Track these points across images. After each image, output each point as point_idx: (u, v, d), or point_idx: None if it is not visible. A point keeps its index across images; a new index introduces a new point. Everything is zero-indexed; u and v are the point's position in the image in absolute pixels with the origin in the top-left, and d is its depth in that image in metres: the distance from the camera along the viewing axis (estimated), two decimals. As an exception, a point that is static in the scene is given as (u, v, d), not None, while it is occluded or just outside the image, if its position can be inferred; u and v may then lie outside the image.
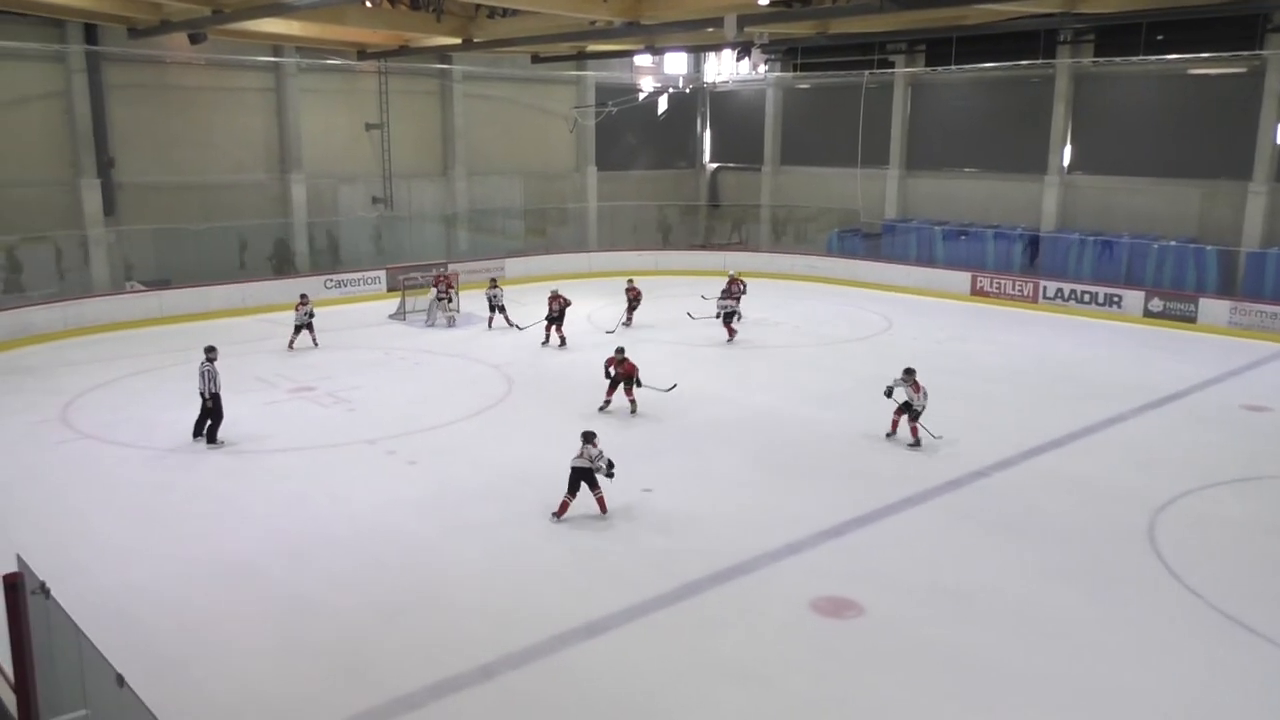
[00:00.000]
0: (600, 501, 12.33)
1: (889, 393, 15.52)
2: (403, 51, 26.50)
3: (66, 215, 25.11)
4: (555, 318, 22.20)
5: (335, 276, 28.01)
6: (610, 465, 12.16)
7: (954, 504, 13.10)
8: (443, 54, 29.22)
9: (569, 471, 12.22)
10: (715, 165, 39.27)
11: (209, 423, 15.23)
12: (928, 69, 32.07)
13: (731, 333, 22.99)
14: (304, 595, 10.36)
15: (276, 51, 27.71)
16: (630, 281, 24.97)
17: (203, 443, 15.19)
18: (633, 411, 16.94)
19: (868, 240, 33.00)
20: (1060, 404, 17.93)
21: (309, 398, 17.97)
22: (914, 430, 15.35)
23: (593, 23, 21.26)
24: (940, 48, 30.91)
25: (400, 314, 25.54)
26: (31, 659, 7.18)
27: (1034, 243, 29.40)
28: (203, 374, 15.09)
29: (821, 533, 11.98)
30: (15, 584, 7.04)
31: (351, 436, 15.71)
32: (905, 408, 15.39)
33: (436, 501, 13.02)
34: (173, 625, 9.71)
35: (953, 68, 30.93)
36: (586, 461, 12.11)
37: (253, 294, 26.11)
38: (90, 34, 24.55)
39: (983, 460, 14.64)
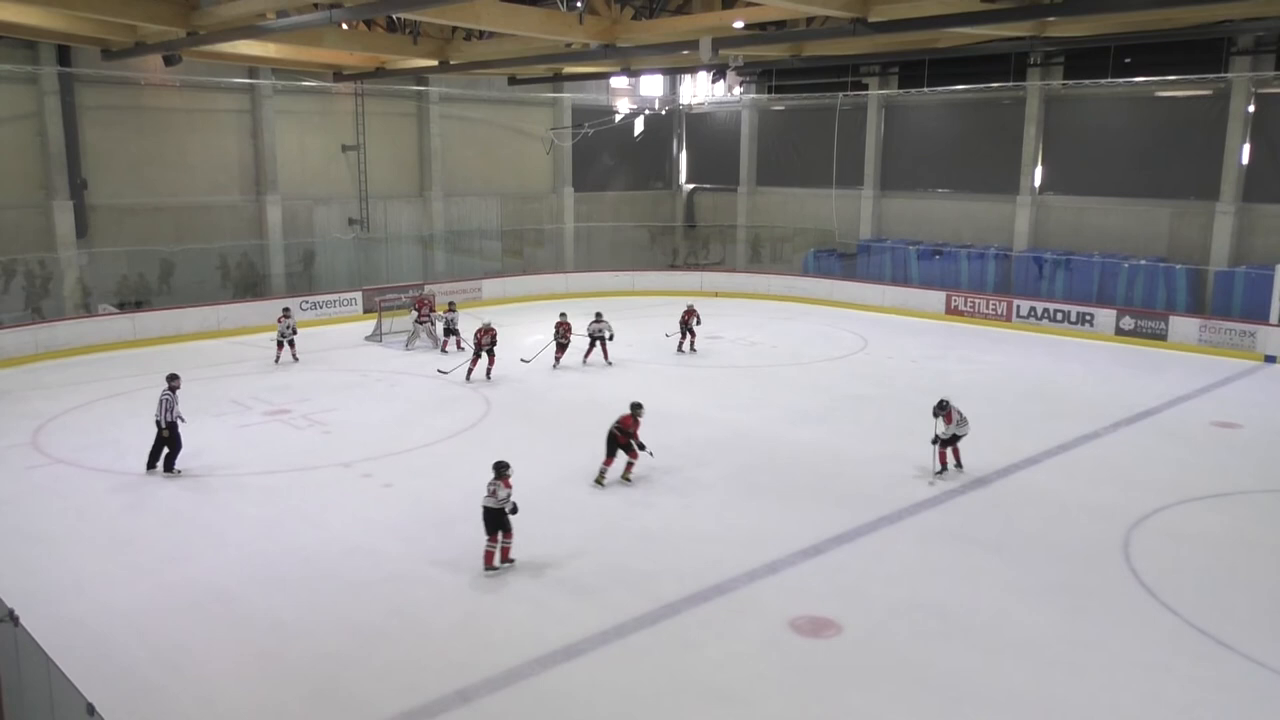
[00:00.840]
0: (505, 551, 11.34)
1: (936, 440, 14.95)
2: (379, 73, 26.51)
3: (38, 238, 24.88)
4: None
5: (311, 298, 27.86)
6: (514, 506, 11.21)
7: (931, 522, 13.15)
8: (419, 76, 29.27)
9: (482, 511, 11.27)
10: (691, 186, 39.47)
11: (165, 451, 14.82)
12: (901, 91, 32.44)
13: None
14: (280, 620, 10.24)
15: (252, 73, 27.66)
16: (562, 315, 22.77)
17: (158, 473, 14.80)
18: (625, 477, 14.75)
19: (843, 260, 33.25)
20: (1035, 422, 18.08)
21: (284, 420, 17.83)
22: (955, 453, 15.01)
23: (569, 45, 21.37)
24: (913, 70, 31.34)
25: (377, 335, 25.43)
26: (1, 689, 7.06)
27: (1006, 261, 29.73)
28: (162, 402, 14.68)
29: (800, 552, 12.00)
30: (-16, 612, 6.94)
31: (327, 459, 15.59)
32: (948, 439, 14.97)
33: (413, 524, 12.93)
34: (146, 652, 9.57)
35: (925, 90, 31.36)
36: (495, 502, 11.18)
37: (227, 316, 25.94)
38: (64, 55, 24.41)
39: (959, 478, 14.73)
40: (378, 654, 9.59)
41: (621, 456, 14.43)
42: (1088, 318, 26.56)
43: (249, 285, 28.79)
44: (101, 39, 21.05)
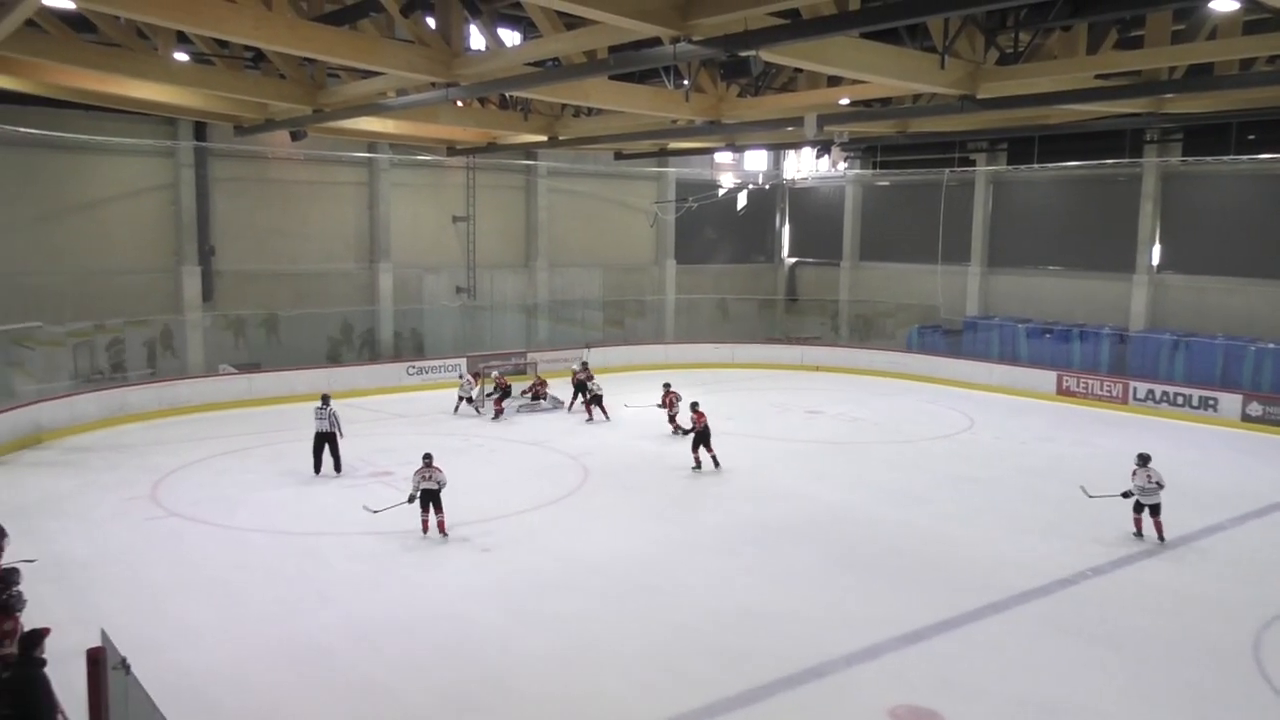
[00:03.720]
0: (440, 524, 14.77)
1: (1127, 494, 15.31)
2: (490, 148, 27.40)
3: (167, 301, 26.28)
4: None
5: (418, 363, 28.59)
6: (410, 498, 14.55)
7: (1041, 612, 12.54)
8: (528, 150, 30.18)
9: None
10: (794, 260, 39.44)
11: (328, 455, 18.53)
12: (1010, 167, 32.00)
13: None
14: (374, 680, 10.32)
15: (371, 147, 28.95)
16: (584, 366, 25.14)
17: (326, 476, 18.39)
18: (715, 465, 19.13)
19: (948, 337, 32.59)
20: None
21: (387, 482, 18.19)
22: (1157, 525, 15.04)
23: (674, 121, 21.75)
24: (1023, 146, 30.87)
25: (480, 402, 25.86)
26: (108, 735, 7.25)
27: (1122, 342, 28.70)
28: (327, 416, 18.48)
29: (901, 637, 11.57)
30: (98, 659, 7.18)
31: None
32: (1141, 507, 15.08)
33: (508, 590, 12.95)
34: (245, 705, 9.74)
35: (1035, 166, 30.81)
36: (435, 485, 14.75)
37: (338, 379, 26.80)
38: (200, 131, 26.05)
39: (1070, 567, 14.05)
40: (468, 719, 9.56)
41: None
42: (1211, 402, 25.32)
43: (360, 349, 29.75)
44: (235, 116, 22.35)
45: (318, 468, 18.52)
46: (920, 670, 10.81)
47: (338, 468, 18.63)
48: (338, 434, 18.59)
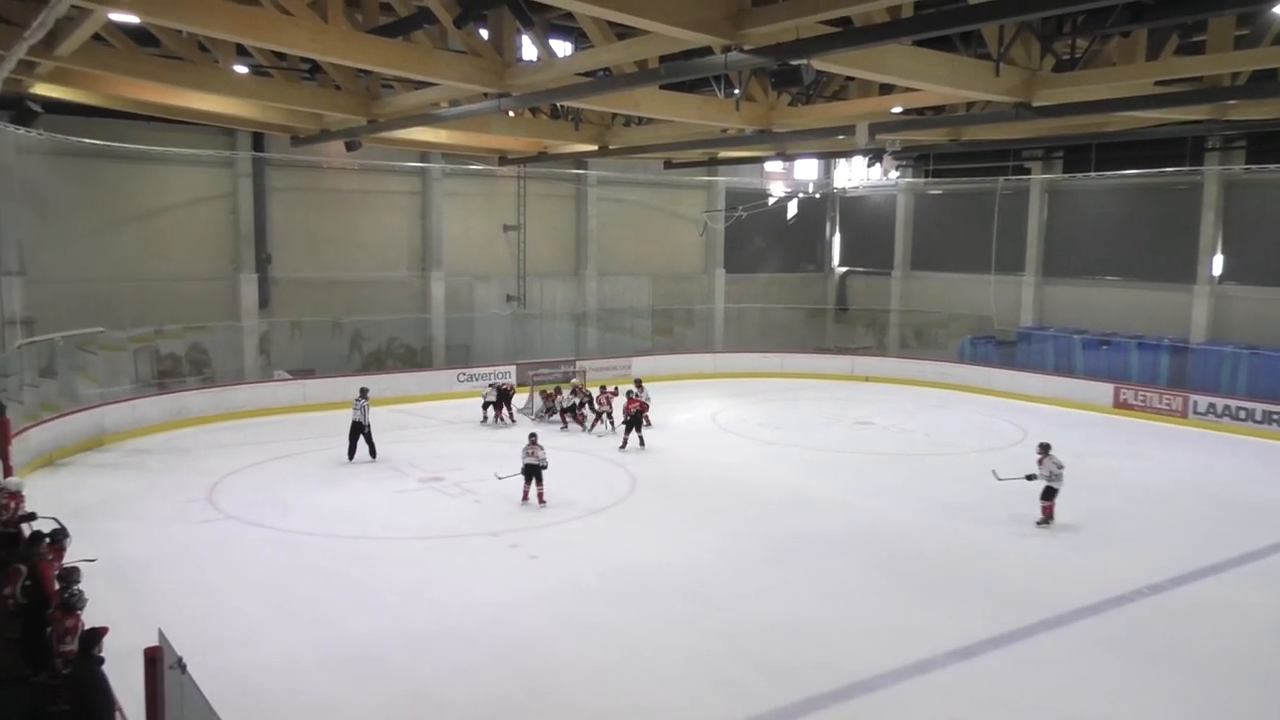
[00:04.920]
0: (540, 495, 16.90)
1: (1031, 477, 16.38)
2: (541, 157, 27.61)
3: (225, 307, 26.82)
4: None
5: (468, 370, 28.84)
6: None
7: (1096, 630, 12.28)
8: (579, 159, 30.33)
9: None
10: (844, 269, 39.16)
11: (363, 444, 20.09)
12: (1066, 176, 31.47)
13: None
14: (423, 686, 10.40)
15: (424, 157, 29.32)
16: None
17: (360, 462, 19.88)
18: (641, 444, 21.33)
19: (1002, 348, 32.10)
20: (1217, 526, 16.77)
21: (438, 488, 18.36)
22: (1047, 509, 16.21)
23: (725, 130, 21.74)
24: (1079, 154, 30.32)
25: (529, 409, 26.02)
26: (164, 733, 7.39)
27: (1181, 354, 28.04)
28: (362, 408, 20.07)
29: (952, 652, 11.39)
30: (155, 658, 7.33)
31: (477, 528, 15.93)
32: (1046, 492, 16.16)
33: (556, 598, 12.99)
34: (297, 706, 9.89)
35: (1092, 174, 30.26)
36: (536, 460, 16.84)
37: (389, 385, 27.08)
38: (257, 141, 26.58)
39: (1127, 584, 13.73)
40: (515, 727, 9.60)
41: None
42: (1275, 417, 24.63)
43: (411, 356, 30.09)
44: (292, 127, 22.77)
45: (351, 453, 20.14)
46: (971, 686, 10.64)
47: (372, 453, 20.22)
48: (369, 424, 20.24)
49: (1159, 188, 29.37)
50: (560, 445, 22.19)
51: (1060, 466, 16.38)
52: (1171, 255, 29.02)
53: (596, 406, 24.07)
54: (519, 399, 26.81)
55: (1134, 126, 21.10)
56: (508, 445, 21.92)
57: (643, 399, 22.55)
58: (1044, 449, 16.58)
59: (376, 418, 21.80)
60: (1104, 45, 15.44)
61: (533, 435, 17.57)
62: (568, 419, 24.24)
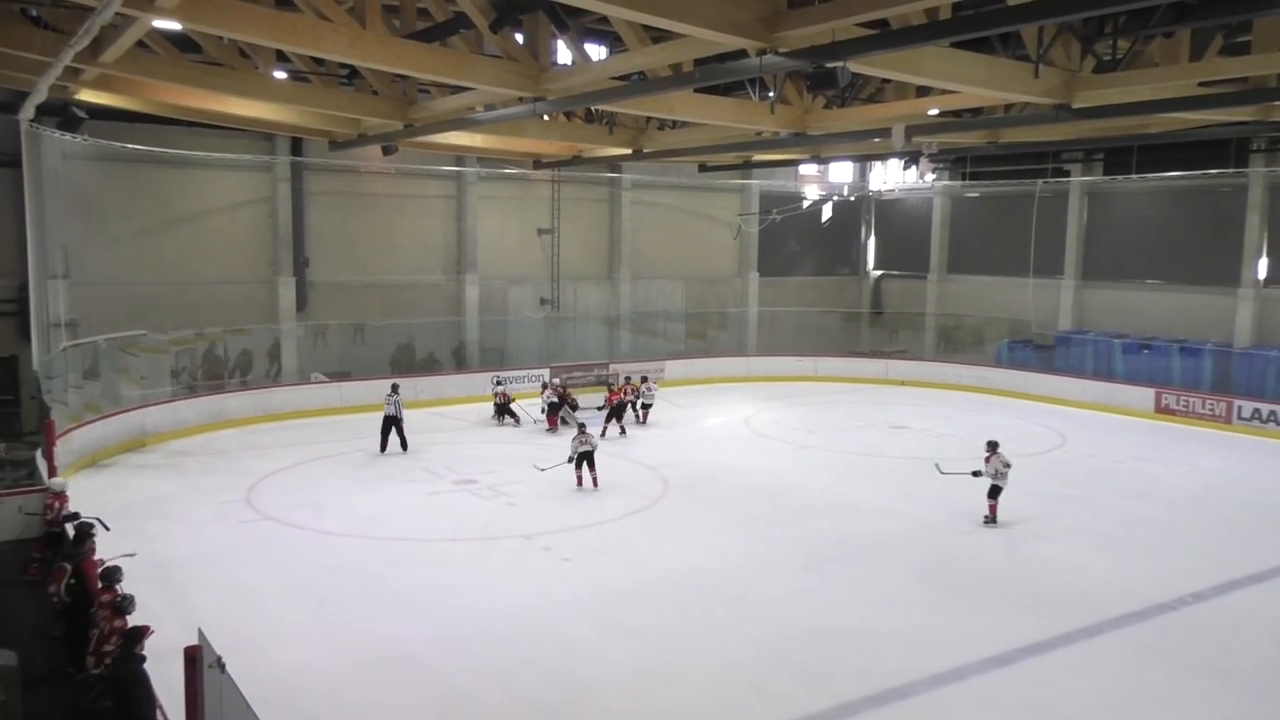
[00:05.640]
0: (594, 479, 18.19)
1: (977, 474, 16.62)
2: (575, 161, 27.69)
3: (264, 310, 27.14)
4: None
5: (502, 373, 28.96)
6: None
7: (1136, 639, 12.08)
8: (613, 163, 30.38)
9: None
10: (879, 273, 38.90)
11: (394, 438, 21.05)
12: (1106, 178, 31.05)
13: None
14: (457, 687, 10.45)
15: (459, 161, 29.50)
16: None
17: (394, 463, 20.35)
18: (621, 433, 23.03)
19: (1040, 352, 31.71)
20: (1263, 535, 16.44)
21: (471, 490, 18.45)
22: (992, 508, 16.43)
23: (759, 133, 21.68)
24: (1120, 156, 29.89)
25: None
26: (204, 731, 7.47)
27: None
28: (394, 403, 21.14)
29: (989, 659, 11.26)
30: (194, 657, 7.41)
31: (510, 530, 15.98)
32: (998, 488, 16.46)
33: (589, 601, 12.99)
34: (333, 705, 9.96)
35: (1134, 176, 29.81)
36: (589, 446, 18.20)
37: (425, 388, 27.26)
38: (296, 146, 26.89)
39: (1169, 592, 13.49)
40: (549, 730, 9.61)
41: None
42: (1322, 423, 24.16)
43: (445, 359, 30.27)
44: (329, 131, 23.01)
45: (384, 446, 21.10)
46: (1009, 695, 10.51)
47: (404, 446, 21.18)
48: (401, 417, 21.19)
49: (1202, 190, 28.89)
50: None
51: (1007, 465, 16.56)
52: (1215, 258, 28.53)
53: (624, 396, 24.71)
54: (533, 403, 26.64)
55: (1177, 128, 20.77)
56: (538, 448, 22.01)
57: (630, 390, 24.84)
58: (991, 447, 16.74)
59: (411, 420, 22.02)
60: (1146, 46, 15.22)
61: (582, 425, 19.08)
62: (557, 421, 24.38)
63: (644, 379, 26.16)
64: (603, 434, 22.44)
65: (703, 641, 11.67)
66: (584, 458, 18.27)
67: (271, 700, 8.94)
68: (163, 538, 15.22)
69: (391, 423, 21.16)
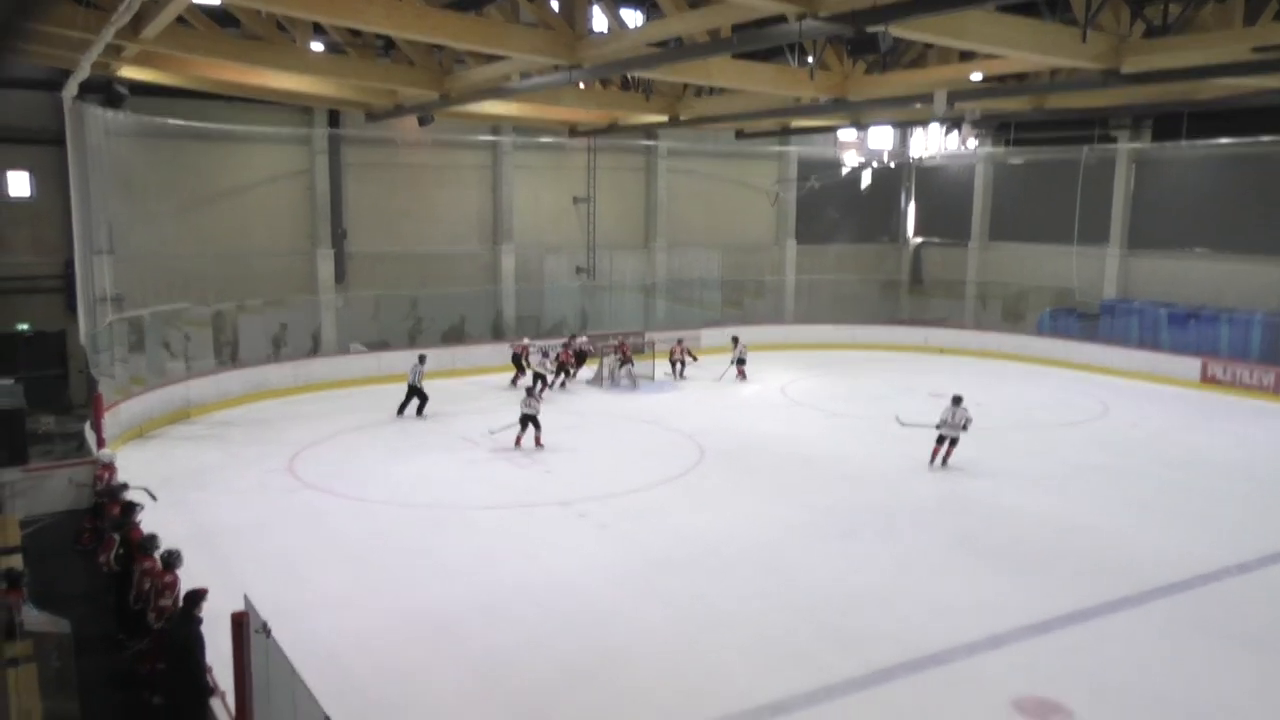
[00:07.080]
0: (536, 439, 18.99)
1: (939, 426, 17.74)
2: (611, 129, 27.59)
3: (303, 282, 27.42)
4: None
5: (538, 342, 29.06)
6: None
7: (1179, 608, 11.98)
8: (649, 130, 30.21)
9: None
10: (919, 240, 38.44)
11: (415, 404, 21.85)
12: (1155, 144, 30.35)
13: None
14: (497, 650, 10.61)
15: (495, 131, 29.49)
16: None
17: (408, 418, 21.70)
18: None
19: (1083, 321, 31.22)
20: (1308, 505, 16.19)
21: (509, 458, 18.61)
22: (947, 454, 17.72)
23: (799, 100, 21.44)
24: (1169, 122, 29.17)
25: (598, 380, 26.19)
26: (251, 692, 7.68)
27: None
28: (415, 370, 21.87)
29: (1027, 627, 11.23)
30: (242, 622, 7.59)
31: (547, 497, 16.12)
32: (943, 439, 17.63)
33: (625, 567, 13.10)
34: (376, 671, 10.15)
35: (1183, 143, 29.11)
36: (532, 410, 19.02)
37: (462, 357, 27.45)
38: (333, 118, 27.02)
39: (1213, 563, 13.34)
40: (585, 693, 9.74)
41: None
42: (1374, 392, 23.62)
43: (492, 327, 30.48)
44: (366, 103, 23.12)
45: (401, 410, 21.99)
46: (1047, 661, 10.47)
47: (419, 411, 21.97)
48: (421, 387, 22.03)
49: (1255, 157, 28.11)
50: (629, 415, 22.31)
51: (969, 420, 17.64)
52: (1267, 227, 27.83)
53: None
54: (589, 371, 26.94)
55: (1228, 94, 20.25)
56: (574, 416, 22.13)
57: (680, 350, 27.14)
58: (956, 400, 17.92)
59: (449, 389, 22.28)
60: (1198, 10, 14.82)
61: (529, 389, 19.89)
62: (552, 380, 25.34)
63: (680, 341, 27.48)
64: (561, 385, 25.17)
65: (740, 607, 11.74)
66: (528, 420, 19.10)
67: (316, 666, 9.13)
68: (209, 507, 15.53)
69: (414, 391, 21.98)
